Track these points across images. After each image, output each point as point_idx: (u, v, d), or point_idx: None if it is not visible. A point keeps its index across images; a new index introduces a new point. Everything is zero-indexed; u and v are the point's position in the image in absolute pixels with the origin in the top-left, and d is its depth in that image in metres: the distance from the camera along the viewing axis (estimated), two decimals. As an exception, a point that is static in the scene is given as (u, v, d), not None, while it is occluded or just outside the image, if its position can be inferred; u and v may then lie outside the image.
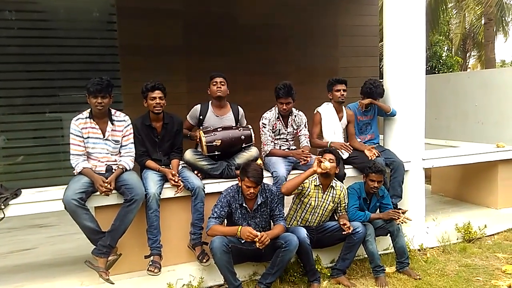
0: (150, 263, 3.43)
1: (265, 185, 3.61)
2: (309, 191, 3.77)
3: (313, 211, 3.83)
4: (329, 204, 3.85)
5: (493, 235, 4.78)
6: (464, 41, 19.91)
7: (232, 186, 3.59)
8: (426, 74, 4.66)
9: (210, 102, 4.09)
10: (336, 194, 3.85)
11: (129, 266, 3.58)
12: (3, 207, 3.24)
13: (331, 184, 3.81)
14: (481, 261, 4.18)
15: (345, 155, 4.28)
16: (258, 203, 3.54)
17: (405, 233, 4.12)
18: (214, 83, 3.96)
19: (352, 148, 4.27)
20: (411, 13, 4.40)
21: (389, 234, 3.97)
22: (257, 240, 3.27)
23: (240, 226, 3.35)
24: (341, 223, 3.70)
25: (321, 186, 3.79)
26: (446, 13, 16.63)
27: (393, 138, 4.60)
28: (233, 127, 3.98)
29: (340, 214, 3.90)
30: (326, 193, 3.82)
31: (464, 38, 19.65)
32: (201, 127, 4.02)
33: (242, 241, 3.48)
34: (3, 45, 6.31)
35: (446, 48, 18.47)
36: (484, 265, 4.07)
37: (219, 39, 6.89)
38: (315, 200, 3.81)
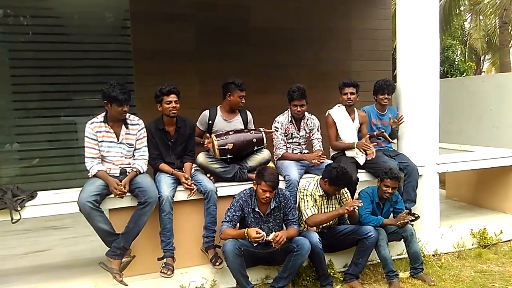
0: (163, 265, 3.45)
1: (279, 190, 3.60)
2: (316, 202, 3.76)
3: None
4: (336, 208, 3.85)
5: (509, 240, 4.70)
6: (481, 45, 19.65)
7: (245, 190, 3.60)
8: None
9: (218, 107, 4.10)
10: (340, 196, 3.85)
11: (142, 268, 3.61)
12: (19, 208, 3.28)
13: None
14: (497, 267, 4.11)
15: (361, 160, 4.24)
16: (271, 208, 3.54)
17: (419, 238, 4.08)
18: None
19: (372, 149, 4.14)
20: (424, 16, 4.37)
21: (402, 239, 3.94)
22: (273, 239, 3.27)
23: (247, 228, 3.35)
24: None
25: (325, 195, 3.78)
26: (459, 17, 16.46)
27: (407, 142, 4.56)
28: (245, 130, 4.00)
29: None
30: (330, 199, 3.81)
31: (481, 42, 19.40)
32: (212, 132, 4.03)
33: (254, 244, 3.49)
34: (18, 50, 6.44)
35: (459, 52, 18.24)
36: (500, 271, 4.01)
37: (230, 43, 6.92)
38: (320, 209, 3.79)
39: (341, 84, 4.39)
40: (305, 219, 3.67)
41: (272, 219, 3.58)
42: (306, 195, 3.73)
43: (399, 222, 3.81)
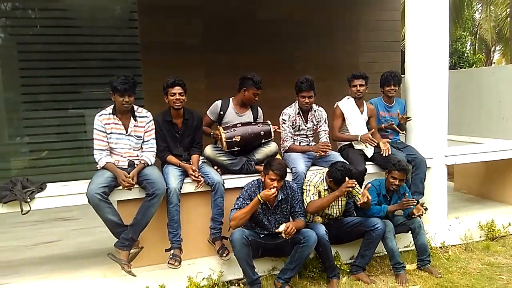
0: (171, 256, 3.48)
1: (286, 182, 3.61)
2: (319, 194, 3.76)
3: (327, 209, 3.81)
4: (341, 200, 3.84)
5: (517, 233, 4.68)
6: (491, 36, 19.38)
7: (253, 181, 3.61)
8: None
9: (231, 98, 4.10)
10: None
11: (150, 259, 3.64)
12: (29, 200, 3.32)
13: None
14: (504, 259, 4.10)
15: (369, 153, 4.22)
16: (279, 199, 3.54)
17: (426, 231, 4.07)
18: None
19: (376, 142, 4.17)
20: (434, 7, 4.32)
21: (410, 231, 3.93)
22: (284, 230, 3.29)
23: (259, 195, 3.34)
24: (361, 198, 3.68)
25: (329, 189, 3.77)
26: (470, 7, 16.22)
27: (415, 134, 4.53)
28: (252, 123, 4.00)
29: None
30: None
31: (491, 33, 19.13)
32: (221, 124, 4.04)
33: (261, 236, 3.51)
34: (27, 43, 6.47)
35: (469, 43, 18.00)
36: (508, 264, 3.99)
37: (237, 36, 6.89)
38: None
39: (350, 76, 4.37)
40: (305, 206, 3.67)
41: (279, 211, 3.59)
42: (309, 185, 3.74)
43: (403, 207, 3.81)
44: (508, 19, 15.06)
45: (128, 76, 3.43)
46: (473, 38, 19.43)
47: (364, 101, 4.42)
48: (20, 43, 6.47)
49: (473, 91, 6.94)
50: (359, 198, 3.77)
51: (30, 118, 6.59)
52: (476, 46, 19.77)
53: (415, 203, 3.84)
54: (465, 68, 15.29)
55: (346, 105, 4.35)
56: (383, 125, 4.51)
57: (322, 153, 4.01)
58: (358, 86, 4.29)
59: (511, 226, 4.63)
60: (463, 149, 4.82)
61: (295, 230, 3.35)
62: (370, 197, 3.65)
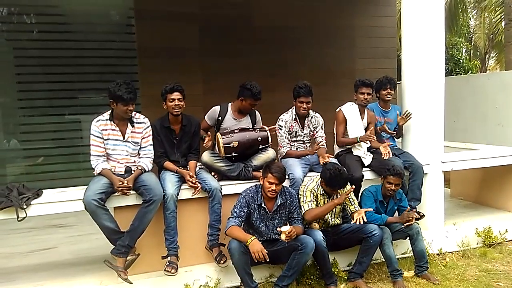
0: (167, 263, 3.46)
1: (285, 188, 3.61)
2: (316, 198, 3.76)
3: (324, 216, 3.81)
4: (337, 207, 3.83)
5: (514, 240, 4.69)
6: (484, 43, 19.52)
7: (251, 187, 3.60)
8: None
9: (229, 104, 4.09)
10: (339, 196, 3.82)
11: (147, 266, 3.61)
12: (25, 206, 3.30)
13: None
14: (502, 266, 4.10)
15: (367, 161, 4.23)
16: (278, 204, 3.54)
17: (424, 237, 4.06)
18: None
19: (374, 137, 4.16)
20: (430, 13, 4.34)
21: (408, 238, 3.93)
22: (288, 231, 3.29)
23: (253, 237, 3.29)
24: (355, 217, 3.69)
25: (325, 194, 3.78)
26: (465, 14, 16.33)
27: (412, 141, 4.54)
28: (250, 129, 4.00)
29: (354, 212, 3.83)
30: (332, 198, 3.80)
31: (484, 40, 19.28)
32: (219, 129, 4.03)
33: (259, 241, 3.49)
34: (23, 48, 6.45)
35: (464, 50, 18.09)
36: (505, 270, 3.99)
37: (234, 41, 6.91)
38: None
39: (358, 82, 4.33)
40: (302, 213, 3.67)
41: (277, 216, 3.58)
42: (306, 190, 3.74)
43: (403, 220, 3.81)
44: (503, 25, 15.17)
45: (128, 83, 3.41)
46: (468, 44, 19.54)
47: (365, 109, 4.42)
48: (17, 48, 6.45)
49: (469, 98, 6.98)
50: (351, 210, 3.82)
51: (26, 123, 6.56)
52: (471, 53, 19.89)
53: (416, 217, 3.84)
54: (461, 74, 15.37)
55: (350, 111, 4.34)
56: (378, 128, 4.49)
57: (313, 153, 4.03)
58: (365, 94, 4.27)
59: (508, 232, 4.64)
60: (460, 155, 4.83)
61: (295, 235, 3.35)
62: (365, 219, 3.66)
